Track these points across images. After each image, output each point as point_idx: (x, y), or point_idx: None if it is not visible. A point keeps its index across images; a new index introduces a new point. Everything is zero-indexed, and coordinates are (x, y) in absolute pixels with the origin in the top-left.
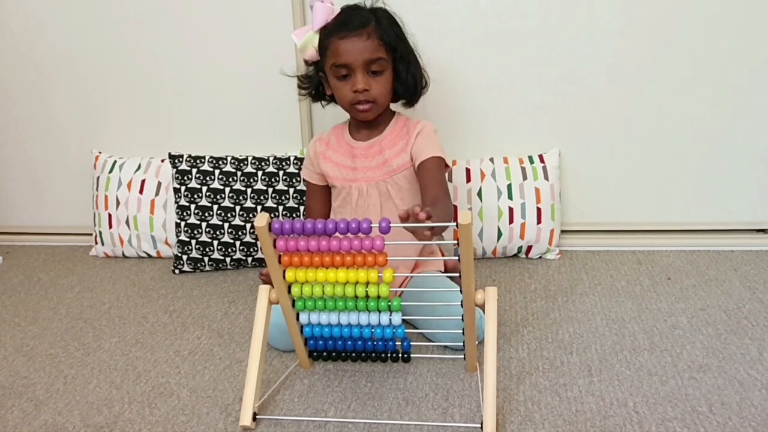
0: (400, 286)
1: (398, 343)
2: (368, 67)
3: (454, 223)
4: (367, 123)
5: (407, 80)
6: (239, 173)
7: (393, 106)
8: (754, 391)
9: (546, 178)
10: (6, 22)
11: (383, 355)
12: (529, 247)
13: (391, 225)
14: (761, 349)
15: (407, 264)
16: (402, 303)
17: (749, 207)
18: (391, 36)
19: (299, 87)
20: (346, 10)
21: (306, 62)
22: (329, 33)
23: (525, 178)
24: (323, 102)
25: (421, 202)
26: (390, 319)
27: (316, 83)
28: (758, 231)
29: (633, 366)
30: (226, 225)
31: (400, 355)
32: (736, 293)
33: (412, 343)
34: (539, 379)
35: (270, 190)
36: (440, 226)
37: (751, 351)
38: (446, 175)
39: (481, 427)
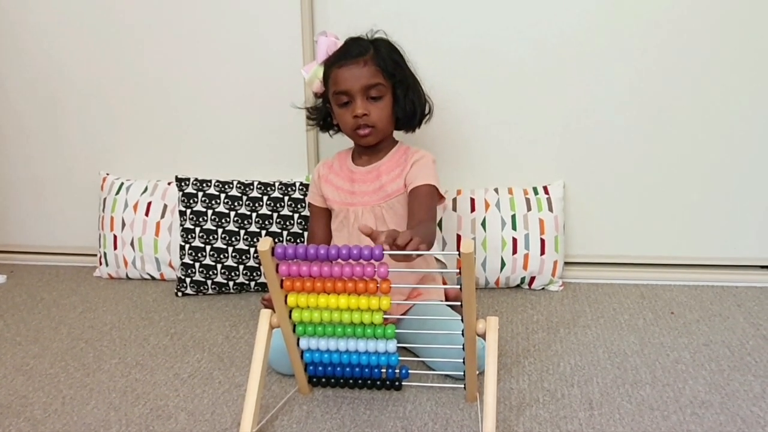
0: (402, 314)
1: (397, 371)
2: (367, 93)
3: (457, 252)
4: (369, 149)
5: (406, 106)
6: (245, 198)
7: (396, 136)
8: (757, 428)
9: (550, 209)
10: (18, 44)
11: (378, 382)
12: (532, 278)
13: (384, 252)
14: (764, 385)
15: (406, 292)
16: (403, 331)
17: (754, 243)
18: (389, 63)
19: (308, 118)
20: (348, 42)
21: (315, 95)
22: (331, 63)
23: (529, 209)
24: (331, 132)
25: (407, 227)
26: (386, 347)
27: (323, 114)
28: (763, 267)
29: (634, 400)
30: (230, 249)
31: (394, 382)
32: (740, 329)
33: (410, 372)
34: (539, 410)
35: (275, 215)
36: (425, 254)
37: (755, 388)
38: (441, 205)
39: None
